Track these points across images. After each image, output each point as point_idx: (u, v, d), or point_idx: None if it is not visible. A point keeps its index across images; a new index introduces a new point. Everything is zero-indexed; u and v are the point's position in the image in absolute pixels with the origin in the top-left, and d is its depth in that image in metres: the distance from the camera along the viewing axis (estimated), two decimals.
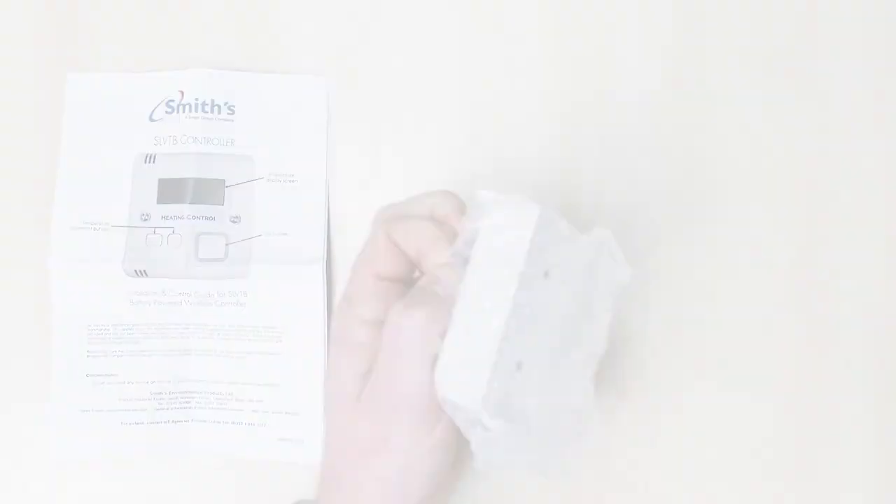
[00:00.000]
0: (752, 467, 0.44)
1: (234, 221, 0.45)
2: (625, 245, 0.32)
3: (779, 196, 0.46)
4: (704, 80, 0.46)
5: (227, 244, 0.44)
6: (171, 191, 0.44)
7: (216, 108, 0.45)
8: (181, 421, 0.44)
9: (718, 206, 0.45)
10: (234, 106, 0.46)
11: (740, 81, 0.46)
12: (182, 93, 0.45)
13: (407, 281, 0.35)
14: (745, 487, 0.44)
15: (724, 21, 0.46)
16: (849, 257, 0.45)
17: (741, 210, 0.46)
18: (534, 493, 0.43)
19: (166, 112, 0.45)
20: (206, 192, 0.44)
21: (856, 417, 0.44)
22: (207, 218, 0.44)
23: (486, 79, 0.46)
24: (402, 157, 0.46)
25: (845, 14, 0.46)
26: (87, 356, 0.44)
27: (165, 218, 0.44)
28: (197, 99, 0.45)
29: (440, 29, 0.47)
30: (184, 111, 0.45)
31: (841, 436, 0.44)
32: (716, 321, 0.45)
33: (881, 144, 0.46)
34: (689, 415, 0.44)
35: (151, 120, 0.45)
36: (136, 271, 0.44)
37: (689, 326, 0.44)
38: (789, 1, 0.47)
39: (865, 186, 0.45)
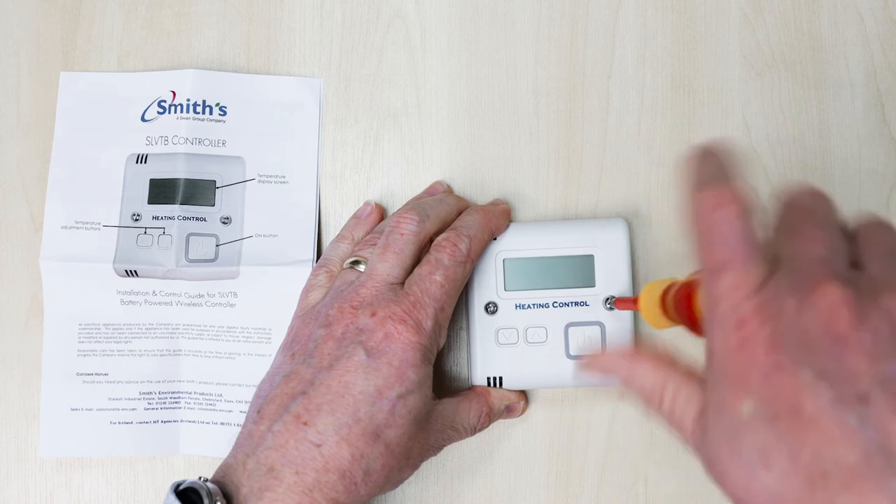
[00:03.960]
0: None
1: (224, 222, 0.45)
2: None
3: None
4: (703, 80, 0.46)
5: (217, 245, 0.44)
6: (162, 191, 0.44)
7: (208, 108, 0.45)
8: (170, 421, 0.44)
9: None
10: (225, 107, 0.46)
11: (740, 81, 0.46)
12: (174, 93, 0.45)
13: None
14: None
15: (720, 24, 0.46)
16: None
17: None
18: None
19: (158, 112, 0.45)
20: (196, 192, 0.45)
21: None
22: (198, 218, 0.44)
23: (481, 82, 0.46)
24: (394, 159, 0.46)
25: None
26: (78, 355, 0.44)
27: (156, 218, 0.44)
28: (189, 100, 0.45)
29: (435, 31, 0.47)
30: (176, 112, 0.45)
31: None
32: None
33: None
34: None
35: (143, 120, 0.45)
36: (126, 271, 0.44)
37: None
38: None
39: None
